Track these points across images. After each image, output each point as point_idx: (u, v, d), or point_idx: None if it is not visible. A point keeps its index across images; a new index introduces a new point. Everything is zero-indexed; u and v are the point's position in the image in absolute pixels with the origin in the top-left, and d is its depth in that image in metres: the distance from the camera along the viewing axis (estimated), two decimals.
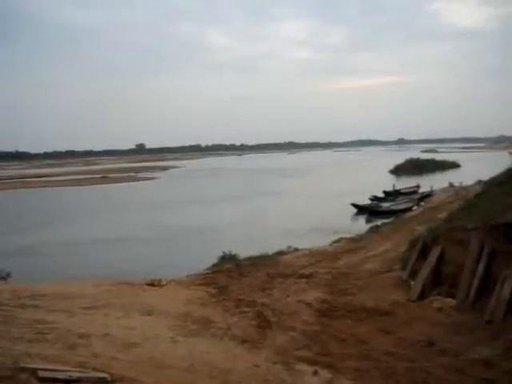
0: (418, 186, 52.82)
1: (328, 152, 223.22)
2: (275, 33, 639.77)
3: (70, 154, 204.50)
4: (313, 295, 12.50)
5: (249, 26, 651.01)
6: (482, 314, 9.94)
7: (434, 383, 7.49)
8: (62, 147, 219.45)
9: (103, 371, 6.77)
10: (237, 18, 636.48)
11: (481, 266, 10.84)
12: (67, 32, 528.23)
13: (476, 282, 10.78)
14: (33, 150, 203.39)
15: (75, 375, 6.35)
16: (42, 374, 6.15)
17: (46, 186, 77.45)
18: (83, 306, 10.69)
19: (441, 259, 12.39)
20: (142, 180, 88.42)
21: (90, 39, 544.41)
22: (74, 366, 6.85)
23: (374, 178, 65.43)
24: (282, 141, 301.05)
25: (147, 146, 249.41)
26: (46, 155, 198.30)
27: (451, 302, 11.10)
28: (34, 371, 6.17)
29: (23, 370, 6.21)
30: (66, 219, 42.83)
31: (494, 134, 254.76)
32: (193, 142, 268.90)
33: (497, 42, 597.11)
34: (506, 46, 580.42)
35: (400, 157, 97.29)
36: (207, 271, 16.14)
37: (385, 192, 50.96)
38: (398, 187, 53.79)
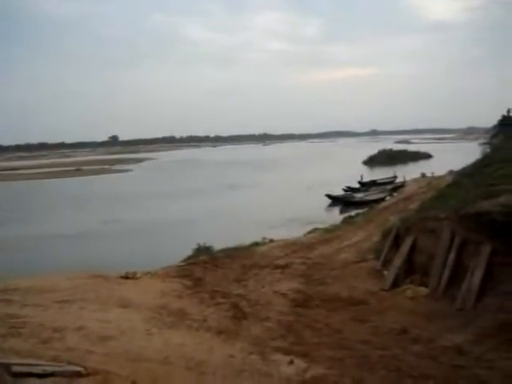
0: (394, 177, 53.14)
1: (302, 143, 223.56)
2: (252, 24, 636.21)
3: (43, 147, 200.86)
4: (288, 285, 12.57)
5: (226, 18, 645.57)
6: (454, 302, 10.14)
7: (408, 370, 7.60)
8: (34, 139, 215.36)
9: (78, 364, 6.74)
10: (214, 10, 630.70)
11: (452, 256, 11.03)
12: (41, 24, 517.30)
13: (447, 271, 10.97)
14: (4, 143, 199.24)
15: (49, 369, 6.32)
16: (15, 368, 6.11)
17: (18, 179, 76.34)
18: (57, 299, 10.59)
19: (413, 249, 12.57)
20: (116, 172, 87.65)
21: (64, 31, 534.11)
22: (48, 360, 6.81)
23: (348, 169, 65.81)
24: (256, 132, 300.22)
25: (121, 138, 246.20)
26: (18, 147, 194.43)
27: (423, 290, 11.28)
28: (7, 366, 6.11)
29: None
30: (38, 213, 42.29)
31: (464, 125, 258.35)
32: (167, 134, 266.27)
33: (470, 34, 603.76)
34: (479, 38, 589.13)
35: (373, 148, 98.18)
36: (182, 263, 16.10)
37: (360, 182, 51.40)
38: (372, 178, 54.36)
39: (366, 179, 53.14)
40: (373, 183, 51.23)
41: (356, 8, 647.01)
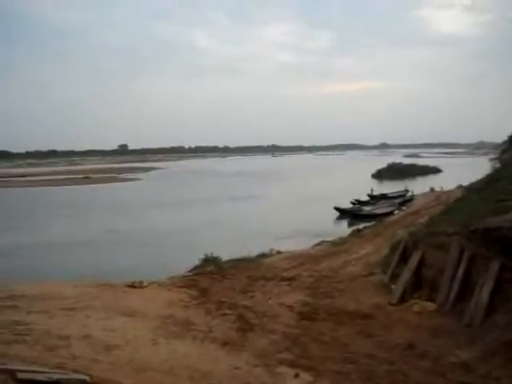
0: (406, 191, 52.66)
1: (311, 156, 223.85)
2: (260, 35, 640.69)
3: (52, 154, 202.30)
4: (294, 298, 12.51)
5: (233, 29, 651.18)
6: (461, 318, 10.04)
7: None
8: (44, 147, 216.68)
9: (83, 373, 6.73)
10: (221, 20, 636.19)
11: (460, 271, 10.94)
12: (49, 31, 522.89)
13: (456, 286, 10.88)
14: (14, 150, 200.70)
15: (54, 377, 6.30)
16: (20, 375, 6.10)
17: (27, 186, 76.77)
18: (63, 307, 10.60)
19: (421, 263, 12.48)
20: (124, 181, 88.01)
21: (73, 39, 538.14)
22: (53, 368, 6.79)
23: (357, 182, 65.72)
24: (265, 144, 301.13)
25: (130, 147, 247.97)
26: (28, 154, 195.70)
27: (431, 305, 11.19)
28: (12, 373, 6.10)
29: (1, 371, 6.14)
30: (44, 220, 42.42)
31: (474, 139, 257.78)
32: (176, 144, 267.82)
33: (480, 48, 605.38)
34: (490, 52, 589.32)
35: (382, 161, 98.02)
36: (189, 273, 16.08)
37: (370, 196, 51.28)
38: (381, 192, 54.19)
39: (375, 193, 52.99)
40: (383, 197, 51.04)
41: (365, 21, 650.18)
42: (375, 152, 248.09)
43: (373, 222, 31.17)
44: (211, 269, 15.95)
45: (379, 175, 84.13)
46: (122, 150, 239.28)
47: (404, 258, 13.35)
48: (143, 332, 9.43)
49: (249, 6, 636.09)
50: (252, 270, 15.78)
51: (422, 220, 22.00)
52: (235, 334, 9.84)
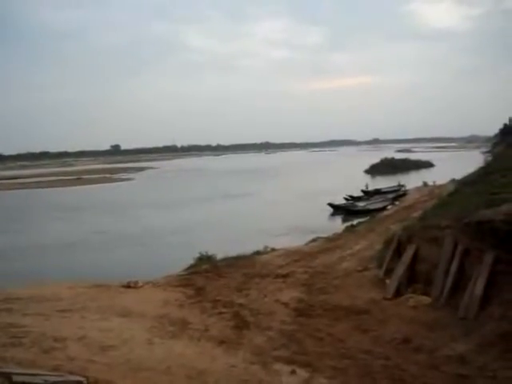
0: (399, 186, 52.60)
1: (304, 152, 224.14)
2: (252, 32, 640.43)
3: (44, 156, 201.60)
4: (290, 295, 12.52)
5: (225, 26, 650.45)
6: (456, 311, 10.08)
7: (410, 380, 7.57)
8: (36, 148, 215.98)
9: (79, 374, 6.72)
10: (214, 17, 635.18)
11: (454, 264, 10.98)
12: (40, 32, 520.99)
13: (450, 280, 10.92)
14: (5, 152, 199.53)
15: (51, 379, 6.29)
16: (16, 378, 6.08)
17: (20, 188, 76.46)
18: (59, 308, 10.57)
19: (415, 257, 12.51)
20: (118, 181, 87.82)
21: (64, 40, 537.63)
22: (49, 370, 6.78)
23: (350, 178, 65.83)
24: (258, 141, 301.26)
25: (122, 147, 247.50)
26: (20, 156, 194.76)
27: (426, 299, 11.23)
28: (8, 376, 6.09)
29: None
30: (35, 223, 42.24)
31: (466, 133, 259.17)
32: (168, 143, 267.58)
33: (472, 42, 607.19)
34: (481, 46, 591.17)
35: (375, 156, 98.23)
36: (184, 272, 16.06)
37: (364, 191, 51.35)
38: (374, 187, 54.25)
39: (369, 188, 53.06)
40: (376, 192, 51.09)
41: (357, 16, 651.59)
42: (368, 147, 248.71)
43: (367, 218, 31.23)
44: (206, 267, 15.94)
45: (372, 170, 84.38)
46: (115, 151, 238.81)
47: (398, 253, 13.37)
48: (139, 332, 9.42)
49: (241, 3, 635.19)
50: (247, 268, 15.78)
51: (416, 214, 22.04)
52: (231, 332, 9.84)
